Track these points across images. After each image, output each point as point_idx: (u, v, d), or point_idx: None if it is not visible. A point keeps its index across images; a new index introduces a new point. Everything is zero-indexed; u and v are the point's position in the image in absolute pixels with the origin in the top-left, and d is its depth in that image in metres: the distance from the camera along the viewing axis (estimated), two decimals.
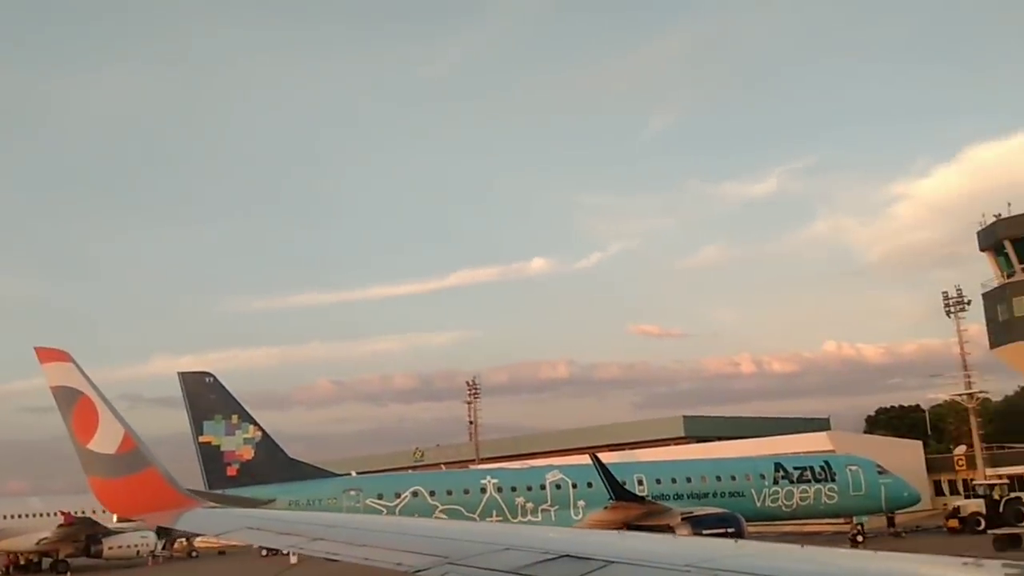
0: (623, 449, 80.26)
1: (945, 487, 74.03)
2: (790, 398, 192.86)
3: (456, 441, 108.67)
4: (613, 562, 5.92)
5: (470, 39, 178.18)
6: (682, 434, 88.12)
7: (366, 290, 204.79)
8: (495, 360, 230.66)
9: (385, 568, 7.63)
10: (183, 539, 67.80)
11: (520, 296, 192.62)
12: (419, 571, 6.87)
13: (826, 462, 47.64)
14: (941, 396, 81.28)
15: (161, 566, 59.14)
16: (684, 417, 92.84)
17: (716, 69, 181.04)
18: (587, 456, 60.27)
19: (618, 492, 36.77)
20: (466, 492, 40.93)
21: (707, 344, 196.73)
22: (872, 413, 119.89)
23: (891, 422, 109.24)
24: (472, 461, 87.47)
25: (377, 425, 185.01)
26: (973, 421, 67.30)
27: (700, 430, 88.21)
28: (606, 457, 63.39)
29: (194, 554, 67.68)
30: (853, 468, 47.25)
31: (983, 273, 75.65)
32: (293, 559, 54.13)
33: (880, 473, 47.78)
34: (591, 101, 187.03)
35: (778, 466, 46.32)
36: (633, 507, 36.59)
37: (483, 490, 41.13)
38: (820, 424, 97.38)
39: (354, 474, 46.48)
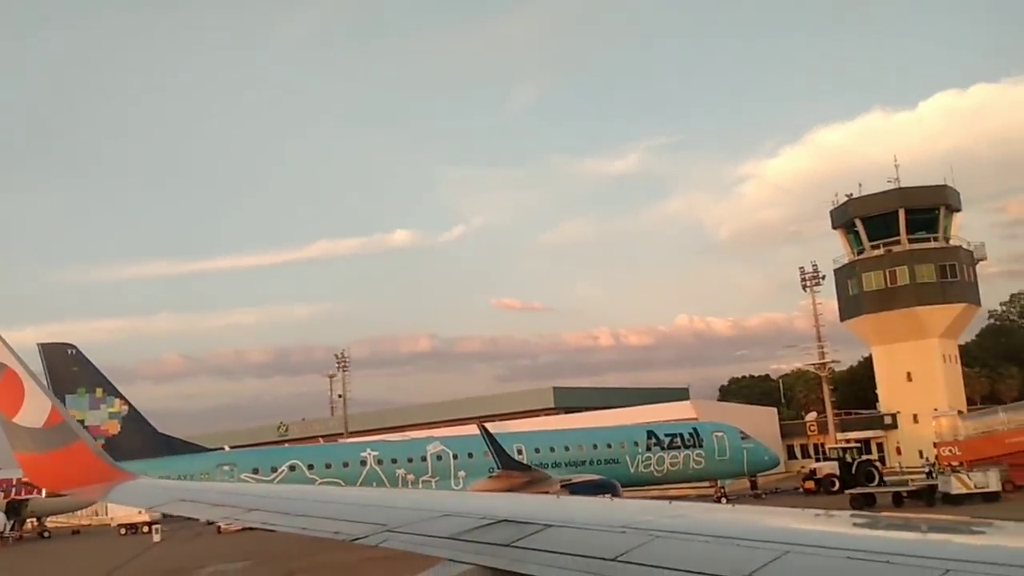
0: (494, 420, 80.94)
1: (797, 451, 78.43)
2: (646, 370, 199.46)
3: (316, 416, 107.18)
4: (551, 525, 5.90)
5: (328, 5, 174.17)
6: (552, 405, 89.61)
7: (218, 260, 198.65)
8: (356, 334, 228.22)
9: (323, 537, 7.46)
10: (33, 519, 64.22)
11: (382, 269, 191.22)
12: (357, 539, 6.76)
13: (694, 429, 49.44)
14: (786, 366, 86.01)
15: (11, 547, 55.72)
16: (554, 388, 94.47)
17: (578, 46, 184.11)
18: (463, 428, 60.59)
19: (505, 461, 37.04)
20: (345, 465, 40.29)
21: (568, 318, 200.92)
22: (725, 383, 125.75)
23: (742, 391, 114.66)
24: (340, 435, 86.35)
25: (231, 400, 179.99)
26: (825, 389, 71.27)
27: (569, 401, 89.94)
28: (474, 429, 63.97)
29: (46, 534, 64.11)
30: (719, 434, 49.26)
31: (828, 251, 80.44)
32: (156, 537, 52.34)
33: (743, 439, 50.08)
34: (455, 73, 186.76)
35: (650, 434, 47.79)
36: (516, 475, 36.93)
37: (363, 463, 40.60)
38: (680, 394, 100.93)
39: (227, 448, 45.00)
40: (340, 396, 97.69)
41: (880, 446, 74.28)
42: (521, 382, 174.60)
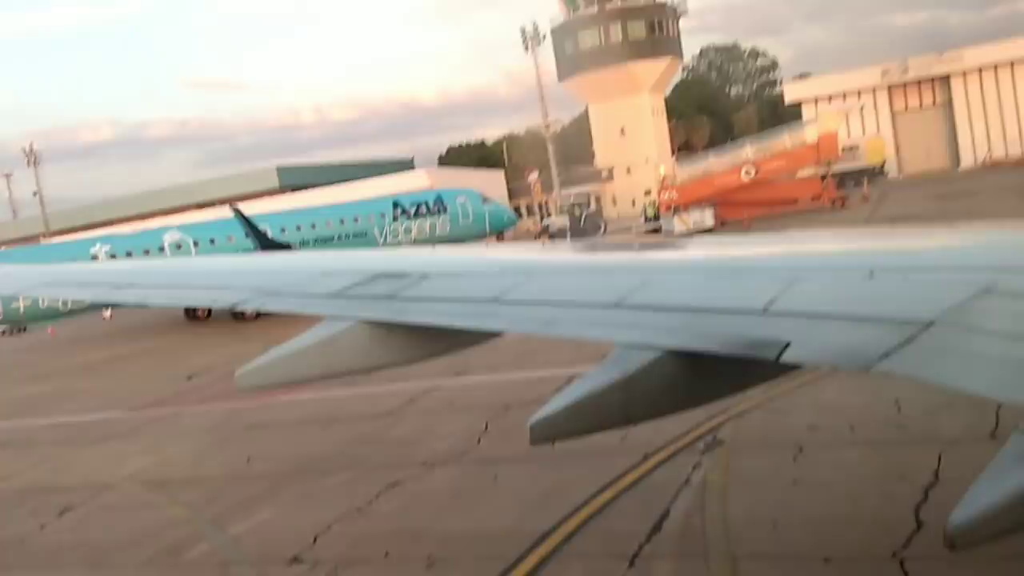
0: (215, 206, 77.07)
1: (524, 210, 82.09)
2: (356, 144, 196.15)
3: None
4: (429, 275, 5.89)
5: None
6: (276, 186, 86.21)
7: None
8: (21, 127, 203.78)
9: (200, 307, 6.96)
10: None
11: (43, 49, 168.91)
12: (236, 304, 6.58)
13: (438, 196, 49.84)
14: (495, 131, 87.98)
15: None
16: (277, 168, 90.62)
17: None
18: (186, 216, 57.22)
19: (264, 242, 35.47)
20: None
21: (266, 94, 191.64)
22: (443, 152, 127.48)
23: (461, 159, 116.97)
24: (40, 236, 78.81)
25: None
26: (550, 148, 74.08)
27: (295, 180, 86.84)
28: (203, 215, 60.80)
29: None
30: (461, 199, 50.10)
31: (526, 16, 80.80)
32: None
33: (484, 201, 51.41)
34: None
35: (396, 204, 47.65)
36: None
37: (94, 258, 37.27)
38: (405, 165, 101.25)
39: None
40: (35, 194, 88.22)
41: (598, 199, 79.49)
42: (221, 167, 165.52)
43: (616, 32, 75.54)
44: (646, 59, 75.90)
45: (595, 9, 76.57)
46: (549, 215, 73.52)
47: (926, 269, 4.09)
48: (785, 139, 49.80)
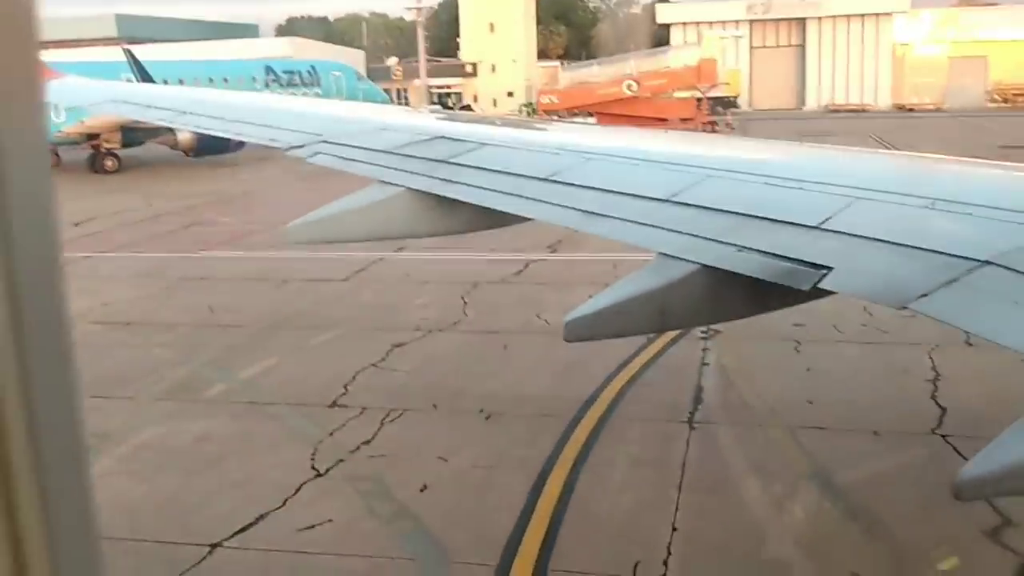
0: (45, 48, 70.10)
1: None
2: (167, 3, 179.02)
3: None
4: (487, 144, 6.03)
5: None
6: (115, 34, 79.30)
7: None
8: None
9: (258, 144, 7.32)
10: None
11: None
12: (293, 147, 6.69)
13: (312, 67, 48.07)
14: (340, 7, 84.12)
15: None
16: (116, 15, 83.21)
17: None
18: None
19: None
20: None
21: None
22: (282, 22, 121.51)
23: (302, 31, 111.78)
24: None
25: None
26: (420, 33, 71.96)
27: (135, 31, 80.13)
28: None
29: None
30: (336, 74, 48.57)
31: None
32: None
33: (359, 79, 49.97)
34: None
35: (268, 69, 45.68)
36: None
37: None
38: (250, 30, 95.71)
39: None
40: None
41: (459, 94, 78.26)
42: None
43: None
44: None
45: None
46: (407, 104, 71.88)
47: (992, 207, 3.80)
48: (668, 58, 50.82)
